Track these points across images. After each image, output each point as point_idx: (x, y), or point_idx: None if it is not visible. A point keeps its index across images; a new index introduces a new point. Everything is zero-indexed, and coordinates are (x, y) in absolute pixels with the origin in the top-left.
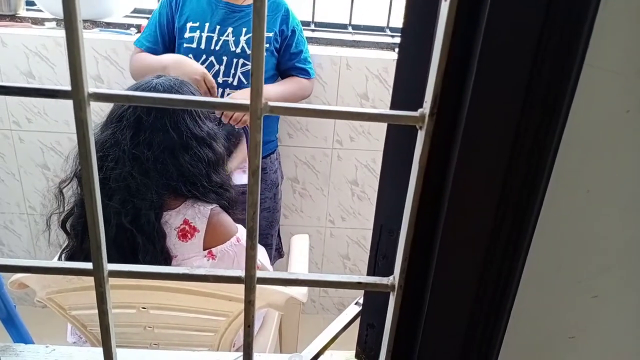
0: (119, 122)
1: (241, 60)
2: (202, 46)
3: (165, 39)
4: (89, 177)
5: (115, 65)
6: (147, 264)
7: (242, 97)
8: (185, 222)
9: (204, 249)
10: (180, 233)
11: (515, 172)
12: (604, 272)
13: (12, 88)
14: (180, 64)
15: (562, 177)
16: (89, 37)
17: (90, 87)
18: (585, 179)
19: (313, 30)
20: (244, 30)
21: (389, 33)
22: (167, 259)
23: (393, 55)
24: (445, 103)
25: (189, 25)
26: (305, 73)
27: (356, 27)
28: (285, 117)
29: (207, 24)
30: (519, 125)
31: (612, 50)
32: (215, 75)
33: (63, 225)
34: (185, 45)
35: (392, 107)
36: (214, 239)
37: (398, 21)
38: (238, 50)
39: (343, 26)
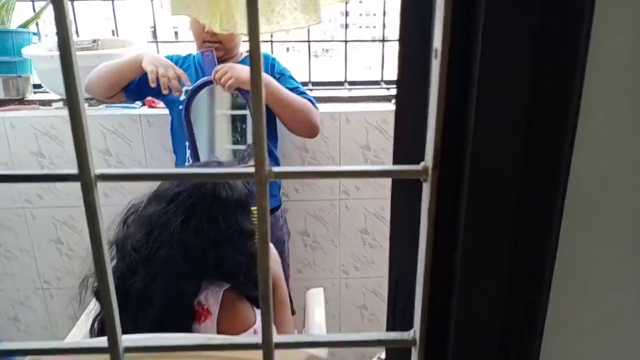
0: (171, 203)
1: None
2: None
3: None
4: (101, 258)
5: (123, 138)
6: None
7: (225, 68)
8: (199, 303)
9: (219, 334)
10: (194, 315)
11: (528, 211)
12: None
13: (20, 176)
14: (154, 54)
15: (578, 211)
16: (95, 113)
17: (99, 164)
18: (600, 217)
19: (311, 90)
20: None
21: (384, 86)
22: None
23: (390, 107)
24: (448, 153)
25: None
26: (308, 101)
27: (352, 83)
28: None
29: None
30: (524, 167)
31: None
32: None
33: (97, 295)
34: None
35: (395, 157)
36: (228, 325)
37: (391, 74)
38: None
39: (339, 83)
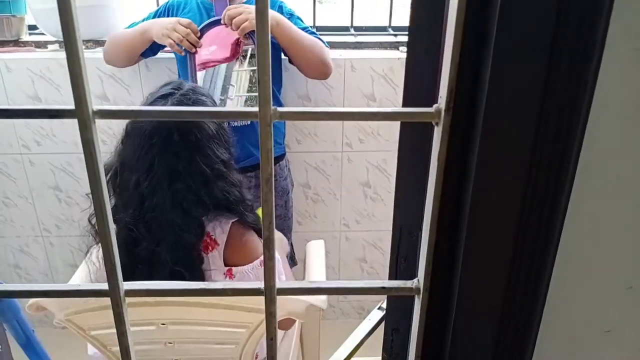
0: (150, 171)
1: None
2: None
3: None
4: (99, 197)
5: (120, 83)
6: None
7: (240, 9)
8: (207, 234)
9: (225, 265)
10: (202, 245)
11: (540, 162)
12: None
13: (16, 111)
14: (157, 21)
15: (590, 165)
16: (92, 56)
17: (96, 106)
18: (614, 167)
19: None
20: None
21: (392, 32)
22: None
23: (397, 54)
24: (461, 96)
25: None
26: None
27: (358, 29)
28: (294, 123)
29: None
30: (540, 114)
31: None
32: None
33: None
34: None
35: (404, 106)
36: (235, 256)
37: (400, 20)
38: None
39: (345, 28)
